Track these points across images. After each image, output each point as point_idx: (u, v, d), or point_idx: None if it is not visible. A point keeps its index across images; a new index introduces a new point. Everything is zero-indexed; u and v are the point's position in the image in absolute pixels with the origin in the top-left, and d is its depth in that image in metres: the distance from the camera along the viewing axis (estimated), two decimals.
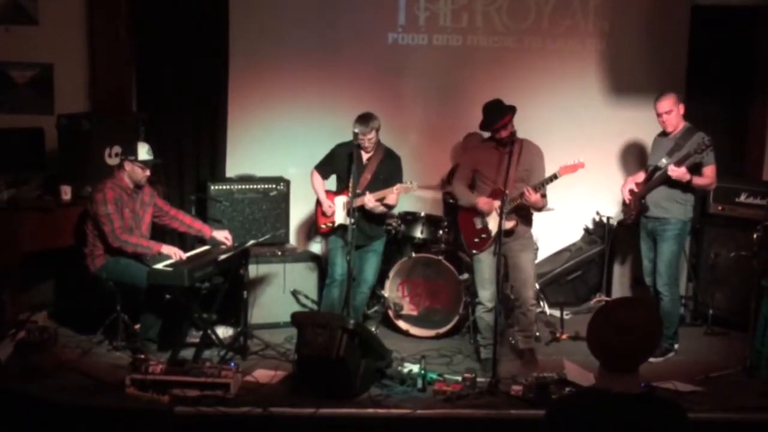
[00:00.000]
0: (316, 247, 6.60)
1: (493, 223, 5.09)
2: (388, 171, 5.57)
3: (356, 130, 5.38)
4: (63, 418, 4.47)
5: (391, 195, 5.51)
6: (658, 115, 5.39)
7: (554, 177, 5.00)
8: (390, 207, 5.62)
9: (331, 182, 5.77)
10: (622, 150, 6.71)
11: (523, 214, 5.18)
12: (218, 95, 6.53)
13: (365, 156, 5.54)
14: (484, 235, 5.17)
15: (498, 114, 5.05)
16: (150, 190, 5.51)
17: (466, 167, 5.36)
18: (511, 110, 5.06)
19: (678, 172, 5.20)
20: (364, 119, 5.43)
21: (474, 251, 5.23)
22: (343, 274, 5.50)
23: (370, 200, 5.40)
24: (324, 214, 5.67)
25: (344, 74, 6.61)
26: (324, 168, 5.70)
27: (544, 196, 5.09)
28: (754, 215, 5.81)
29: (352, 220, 5.23)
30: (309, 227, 6.68)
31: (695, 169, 5.30)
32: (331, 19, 6.63)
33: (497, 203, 5.03)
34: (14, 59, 6.35)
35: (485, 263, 5.16)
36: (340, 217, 5.62)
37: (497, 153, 5.13)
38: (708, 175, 5.37)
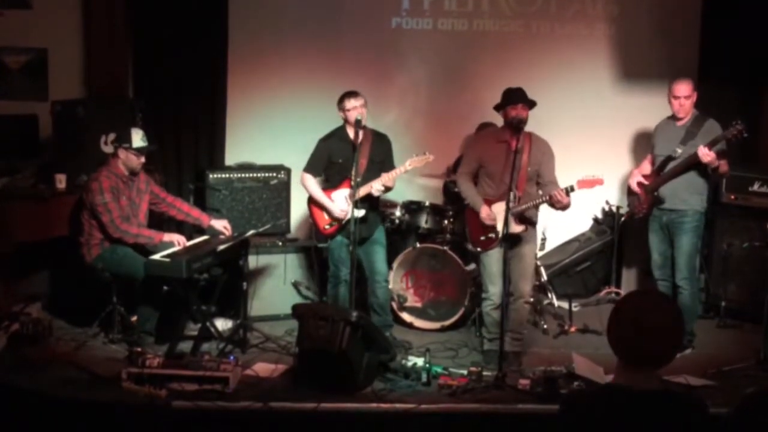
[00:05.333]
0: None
1: (501, 225, 4.94)
2: (382, 153, 5.41)
3: (349, 103, 5.23)
4: (57, 413, 4.39)
5: (393, 174, 5.30)
6: (676, 97, 5.23)
7: (571, 189, 4.85)
8: (389, 189, 5.44)
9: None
10: (632, 138, 6.60)
11: (531, 213, 5.09)
12: (217, 81, 6.46)
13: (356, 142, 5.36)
14: (491, 235, 5.03)
15: (519, 97, 4.96)
16: (145, 177, 5.44)
17: (472, 161, 5.21)
18: (533, 102, 4.98)
19: (710, 157, 5.03)
20: (354, 92, 5.29)
21: (478, 249, 5.14)
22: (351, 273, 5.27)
23: (379, 187, 5.22)
24: (331, 215, 5.38)
25: (346, 59, 6.53)
26: (315, 168, 5.46)
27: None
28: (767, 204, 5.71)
29: (361, 213, 5.13)
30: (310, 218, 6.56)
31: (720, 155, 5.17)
32: (333, 2, 6.56)
33: (498, 210, 4.93)
34: (7, 44, 6.27)
35: (493, 257, 5.04)
36: (348, 212, 5.41)
37: (505, 149, 5.00)
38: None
